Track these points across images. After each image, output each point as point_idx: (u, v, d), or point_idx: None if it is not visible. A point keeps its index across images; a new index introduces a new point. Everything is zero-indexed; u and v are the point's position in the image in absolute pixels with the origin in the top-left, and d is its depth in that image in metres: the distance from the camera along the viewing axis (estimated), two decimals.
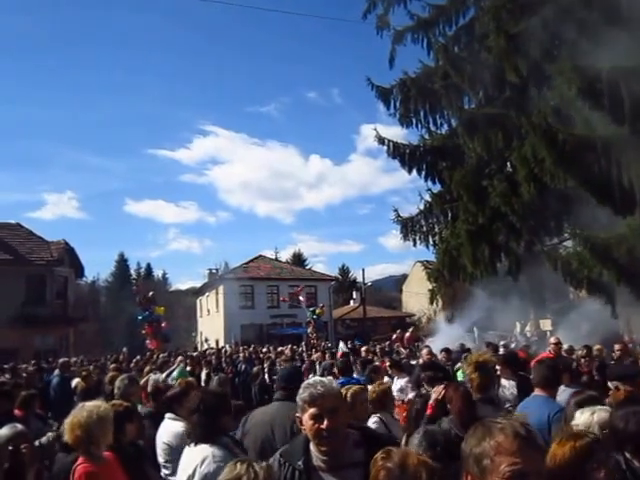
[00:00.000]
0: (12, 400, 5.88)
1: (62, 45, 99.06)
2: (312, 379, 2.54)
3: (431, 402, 3.88)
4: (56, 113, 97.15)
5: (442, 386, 3.87)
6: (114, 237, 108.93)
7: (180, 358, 11.90)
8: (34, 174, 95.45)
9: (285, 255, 63.81)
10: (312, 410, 2.32)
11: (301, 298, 27.00)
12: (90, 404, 3.47)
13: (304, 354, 17.75)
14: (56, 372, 11.49)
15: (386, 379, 7.40)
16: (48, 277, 29.47)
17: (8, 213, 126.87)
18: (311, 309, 23.25)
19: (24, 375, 11.63)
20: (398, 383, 7.49)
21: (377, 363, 9.14)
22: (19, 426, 3.45)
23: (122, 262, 64.60)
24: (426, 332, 29.82)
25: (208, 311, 45.95)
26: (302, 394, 2.39)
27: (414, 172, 18.61)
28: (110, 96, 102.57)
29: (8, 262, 28.49)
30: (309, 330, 22.88)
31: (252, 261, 44.37)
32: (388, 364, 8.34)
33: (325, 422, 2.29)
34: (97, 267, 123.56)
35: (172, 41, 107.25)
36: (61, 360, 12.61)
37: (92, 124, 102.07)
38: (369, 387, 4.97)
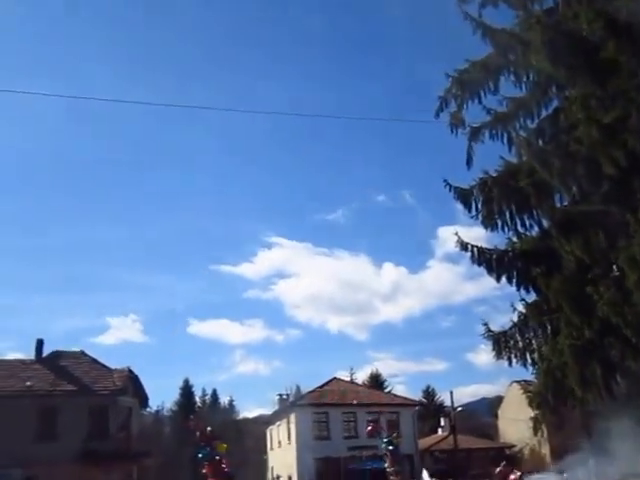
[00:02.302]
0: None
1: (117, 163, 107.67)
2: None
3: None
4: (117, 233, 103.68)
5: None
6: (178, 361, 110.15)
7: None
8: (96, 297, 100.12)
9: (361, 376, 62.04)
10: None
11: (369, 428, 24.53)
12: None
13: None
14: None
15: None
16: (111, 408, 29.69)
17: (72, 339, 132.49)
18: (385, 439, 21.08)
19: None
20: None
21: None
22: None
23: (187, 389, 64.71)
24: (530, 467, 27.03)
25: (279, 443, 44.42)
26: None
27: (503, 279, 17.75)
28: (168, 212, 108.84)
29: (72, 393, 29.22)
30: (386, 465, 20.71)
31: (326, 384, 43.20)
32: None
33: None
34: (161, 395, 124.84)
35: (235, 153, 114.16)
36: None
37: (153, 242, 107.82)
38: None
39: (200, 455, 17.29)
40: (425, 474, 15.19)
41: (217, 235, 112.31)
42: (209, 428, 18.49)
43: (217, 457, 17.37)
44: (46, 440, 27.08)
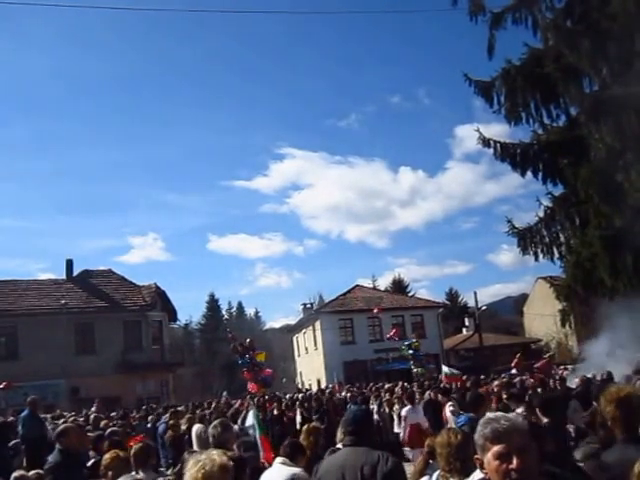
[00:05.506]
0: (124, 449, 6.01)
1: (123, 85, 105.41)
2: (493, 414, 2.32)
3: None
4: (128, 154, 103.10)
5: None
6: (202, 276, 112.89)
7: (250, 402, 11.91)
8: (117, 218, 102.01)
9: (384, 282, 63.23)
10: (497, 448, 2.08)
11: (391, 334, 25.34)
12: (209, 454, 3.34)
13: (416, 392, 17.18)
14: (164, 419, 11.93)
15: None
16: (143, 322, 31.25)
17: (98, 259, 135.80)
18: (406, 343, 21.96)
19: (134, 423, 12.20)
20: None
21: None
22: (136, 476, 3.35)
23: (213, 302, 66.90)
24: (557, 359, 28.04)
25: (306, 349, 46.20)
26: (482, 430, 2.15)
27: (528, 174, 17.71)
28: (178, 133, 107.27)
29: (105, 309, 30.66)
30: (412, 365, 21.78)
31: (349, 292, 44.31)
32: (505, 396, 7.91)
33: (515, 461, 2.03)
34: (189, 309, 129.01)
35: (239, 60, 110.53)
36: (173, 409, 13.12)
37: (165, 162, 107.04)
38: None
39: (240, 362, 18.62)
40: (444, 367, 16.37)
41: (228, 150, 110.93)
42: (248, 340, 19.76)
43: (256, 365, 18.73)
44: (86, 353, 28.99)
